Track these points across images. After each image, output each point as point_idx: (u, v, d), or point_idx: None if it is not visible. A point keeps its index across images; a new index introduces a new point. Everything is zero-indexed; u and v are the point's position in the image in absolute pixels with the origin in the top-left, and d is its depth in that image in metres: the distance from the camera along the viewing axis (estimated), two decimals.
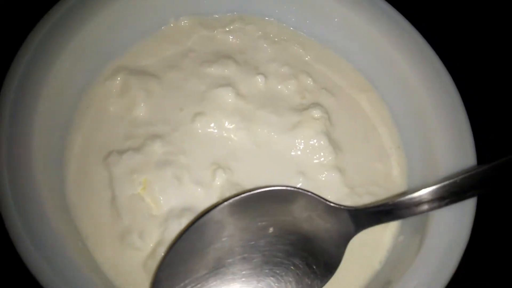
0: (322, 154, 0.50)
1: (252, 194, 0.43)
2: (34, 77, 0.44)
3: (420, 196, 0.42)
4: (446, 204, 0.41)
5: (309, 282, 0.42)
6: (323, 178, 0.49)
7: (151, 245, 0.44)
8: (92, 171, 0.47)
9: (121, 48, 0.54)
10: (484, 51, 0.69)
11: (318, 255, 0.43)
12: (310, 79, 0.55)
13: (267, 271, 0.42)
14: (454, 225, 0.43)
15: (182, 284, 0.40)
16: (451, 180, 0.41)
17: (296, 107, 0.53)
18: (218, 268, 0.41)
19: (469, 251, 0.42)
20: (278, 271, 0.42)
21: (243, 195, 0.43)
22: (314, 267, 0.42)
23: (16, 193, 0.39)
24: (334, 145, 0.51)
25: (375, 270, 0.46)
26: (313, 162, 0.50)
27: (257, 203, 0.43)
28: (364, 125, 0.54)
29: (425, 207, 0.42)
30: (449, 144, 0.47)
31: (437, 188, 0.42)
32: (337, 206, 0.44)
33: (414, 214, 0.43)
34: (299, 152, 0.50)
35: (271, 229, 0.43)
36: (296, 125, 0.51)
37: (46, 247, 0.37)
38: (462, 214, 0.43)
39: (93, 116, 0.50)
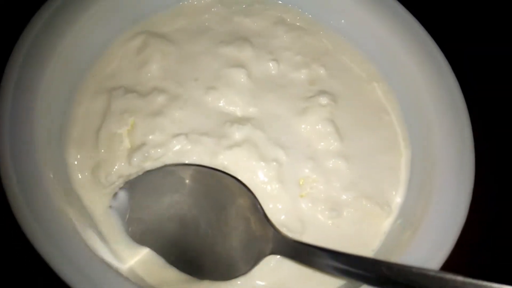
0: (327, 140, 0.50)
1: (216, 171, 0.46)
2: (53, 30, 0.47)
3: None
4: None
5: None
6: (331, 165, 0.50)
7: (114, 184, 0.46)
8: (96, 98, 0.50)
9: (141, 16, 0.56)
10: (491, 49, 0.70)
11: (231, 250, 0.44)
12: (322, 68, 0.55)
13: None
14: (451, 209, 0.44)
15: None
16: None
17: (304, 95, 0.53)
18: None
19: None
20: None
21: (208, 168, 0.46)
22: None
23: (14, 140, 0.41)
24: (340, 132, 0.51)
25: (372, 253, 0.47)
26: (318, 148, 0.50)
27: (216, 181, 0.46)
28: (372, 115, 0.54)
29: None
30: (449, 144, 0.48)
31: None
32: (266, 220, 0.44)
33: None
34: (303, 136, 0.51)
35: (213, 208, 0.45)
36: (303, 111, 0.52)
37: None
38: (459, 199, 0.45)
39: (110, 66, 0.52)
